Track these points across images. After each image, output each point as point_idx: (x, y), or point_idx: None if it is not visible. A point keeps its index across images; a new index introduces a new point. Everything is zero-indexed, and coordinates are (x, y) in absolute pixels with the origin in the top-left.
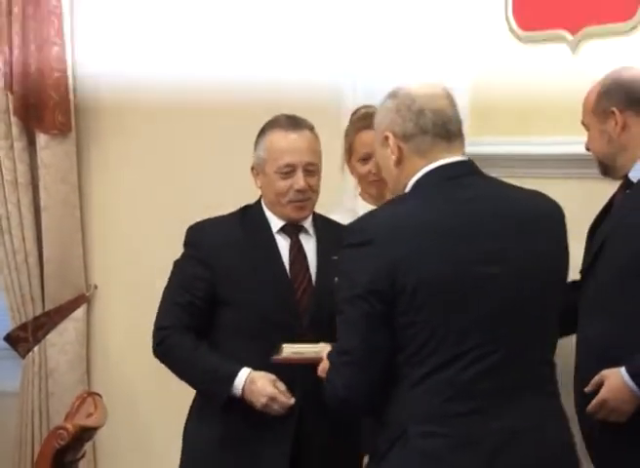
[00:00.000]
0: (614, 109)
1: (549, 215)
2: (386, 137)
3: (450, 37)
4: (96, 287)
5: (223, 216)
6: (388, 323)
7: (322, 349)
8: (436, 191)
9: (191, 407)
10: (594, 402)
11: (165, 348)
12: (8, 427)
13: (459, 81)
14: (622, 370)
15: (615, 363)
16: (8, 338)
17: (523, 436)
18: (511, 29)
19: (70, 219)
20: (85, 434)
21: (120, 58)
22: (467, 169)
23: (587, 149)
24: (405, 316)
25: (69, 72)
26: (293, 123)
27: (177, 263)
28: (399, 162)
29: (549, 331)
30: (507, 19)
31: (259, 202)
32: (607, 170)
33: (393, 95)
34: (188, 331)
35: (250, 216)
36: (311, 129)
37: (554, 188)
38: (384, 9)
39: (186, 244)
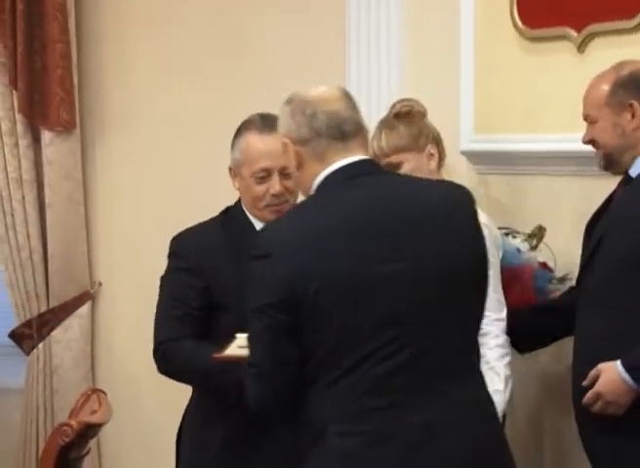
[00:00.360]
0: (633, 102)
1: (456, 206)
2: (285, 144)
3: (455, 35)
4: (100, 284)
5: (205, 222)
6: (294, 333)
7: None
8: (334, 194)
9: (186, 412)
10: (589, 394)
11: (166, 361)
12: (13, 424)
13: (464, 79)
14: (618, 363)
15: (613, 356)
16: (12, 335)
17: (443, 429)
18: (516, 27)
19: (75, 216)
20: (89, 431)
21: (125, 56)
22: (366, 168)
23: (588, 143)
24: (311, 322)
25: (74, 69)
26: (268, 124)
27: (165, 278)
28: (299, 166)
29: (467, 320)
30: (512, 16)
31: (239, 202)
32: (611, 164)
33: (289, 100)
34: (186, 338)
35: (232, 219)
36: None
37: (559, 185)
38: (390, 6)
39: (172, 255)
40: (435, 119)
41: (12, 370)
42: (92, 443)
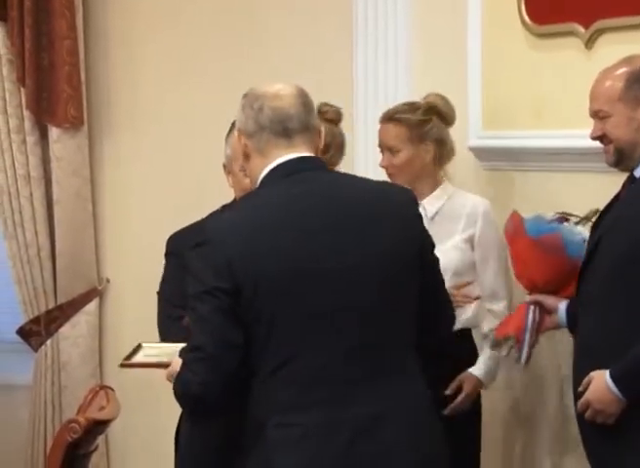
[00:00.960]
0: None
1: (396, 205)
2: (238, 135)
3: (462, 32)
4: (108, 280)
5: (201, 220)
6: (238, 318)
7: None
8: (275, 188)
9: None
10: (580, 402)
11: None
12: (21, 420)
13: (472, 76)
14: (607, 372)
15: (611, 355)
16: (20, 332)
17: (383, 421)
18: (524, 23)
19: (82, 213)
20: (97, 427)
21: (132, 53)
22: (308, 165)
23: (597, 138)
24: (249, 312)
25: (81, 66)
26: None
27: (163, 277)
28: (246, 158)
29: (406, 316)
30: (520, 12)
31: (235, 201)
32: (622, 159)
33: (245, 94)
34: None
35: None
36: None
37: (567, 181)
38: (397, 3)
39: (168, 254)
40: None
41: (20, 366)
42: (100, 439)
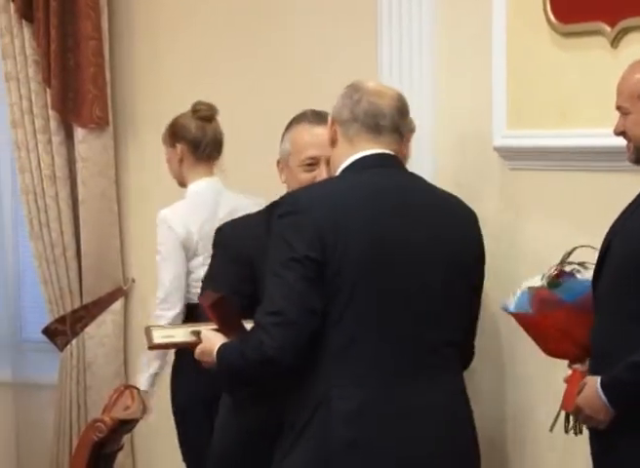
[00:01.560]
0: None
1: (462, 214)
2: (331, 121)
3: (487, 30)
4: (133, 280)
5: (250, 215)
6: (321, 287)
7: (192, 331)
8: (357, 176)
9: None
10: (574, 406)
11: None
12: (46, 420)
13: (497, 74)
14: (598, 379)
15: (615, 362)
16: (46, 331)
17: (430, 412)
18: (549, 22)
19: (108, 213)
20: (123, 427)
21: (157, 53)
22: (390, 161)
23: (619, 134)
24: (332, 284)
25: (106, 66)
26: (318, 117)
27: (211, 265)
28: (332, 143)
29: (455, 314)
30: (545, 11)
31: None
32: None
33: (349, 84)
34: None
35: None
36: None
37: (593, 181)
38: (422, 2)
39: (216, 245)
40: (467, 115)
41: (45, 366)
42: (125, 438)
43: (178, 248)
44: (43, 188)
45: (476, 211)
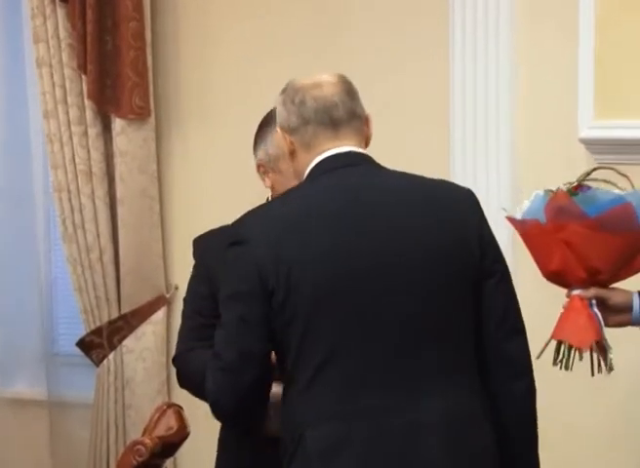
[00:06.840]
0: None
1: (455, 203)
2: (281, 133)
3: (574, 13)
4: (176, 287)
5: (223, 227)
6: (264, 325)
7: None
8: (313, 186)
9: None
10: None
11: (178, 375)
12: (81, 442)
13: (583, 60)
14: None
15: None
16: (80, 344)
17: (427, 431)
18: None
19: (149, 213)
20: (165, 449)
21: (206, 36)
22: (352, 160)
23: None
24: (281, 315)
25: (148, 50)
26: None
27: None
28: (292, 155)
29: (456, 323)
30: None
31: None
32: None
33: (283, 89)
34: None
35: None
36: None
37: None
38: None
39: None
40: (550, 104)
41: (80, 382)
42: (168, 462)
43: None
44: (78, 186)
45: None
